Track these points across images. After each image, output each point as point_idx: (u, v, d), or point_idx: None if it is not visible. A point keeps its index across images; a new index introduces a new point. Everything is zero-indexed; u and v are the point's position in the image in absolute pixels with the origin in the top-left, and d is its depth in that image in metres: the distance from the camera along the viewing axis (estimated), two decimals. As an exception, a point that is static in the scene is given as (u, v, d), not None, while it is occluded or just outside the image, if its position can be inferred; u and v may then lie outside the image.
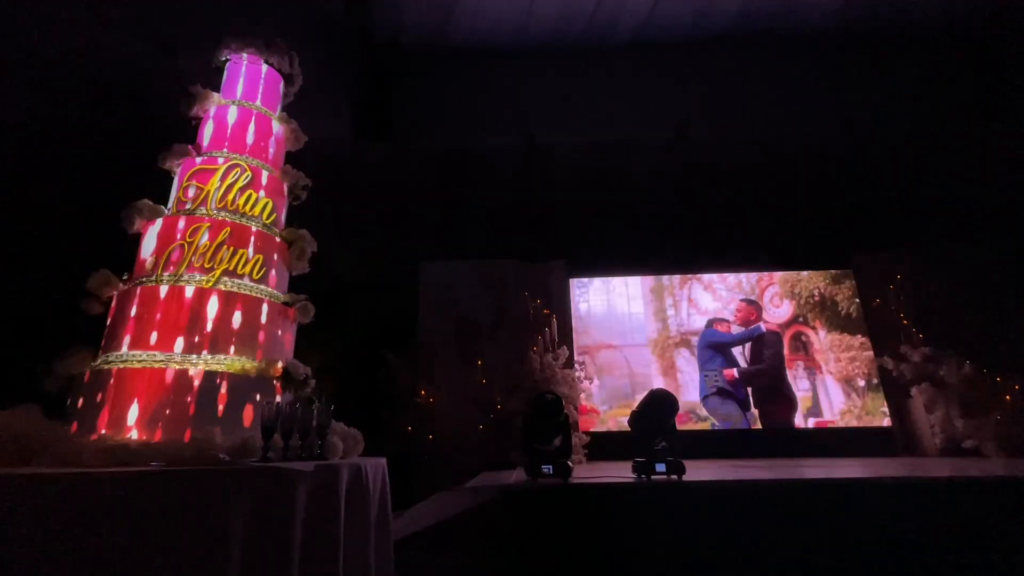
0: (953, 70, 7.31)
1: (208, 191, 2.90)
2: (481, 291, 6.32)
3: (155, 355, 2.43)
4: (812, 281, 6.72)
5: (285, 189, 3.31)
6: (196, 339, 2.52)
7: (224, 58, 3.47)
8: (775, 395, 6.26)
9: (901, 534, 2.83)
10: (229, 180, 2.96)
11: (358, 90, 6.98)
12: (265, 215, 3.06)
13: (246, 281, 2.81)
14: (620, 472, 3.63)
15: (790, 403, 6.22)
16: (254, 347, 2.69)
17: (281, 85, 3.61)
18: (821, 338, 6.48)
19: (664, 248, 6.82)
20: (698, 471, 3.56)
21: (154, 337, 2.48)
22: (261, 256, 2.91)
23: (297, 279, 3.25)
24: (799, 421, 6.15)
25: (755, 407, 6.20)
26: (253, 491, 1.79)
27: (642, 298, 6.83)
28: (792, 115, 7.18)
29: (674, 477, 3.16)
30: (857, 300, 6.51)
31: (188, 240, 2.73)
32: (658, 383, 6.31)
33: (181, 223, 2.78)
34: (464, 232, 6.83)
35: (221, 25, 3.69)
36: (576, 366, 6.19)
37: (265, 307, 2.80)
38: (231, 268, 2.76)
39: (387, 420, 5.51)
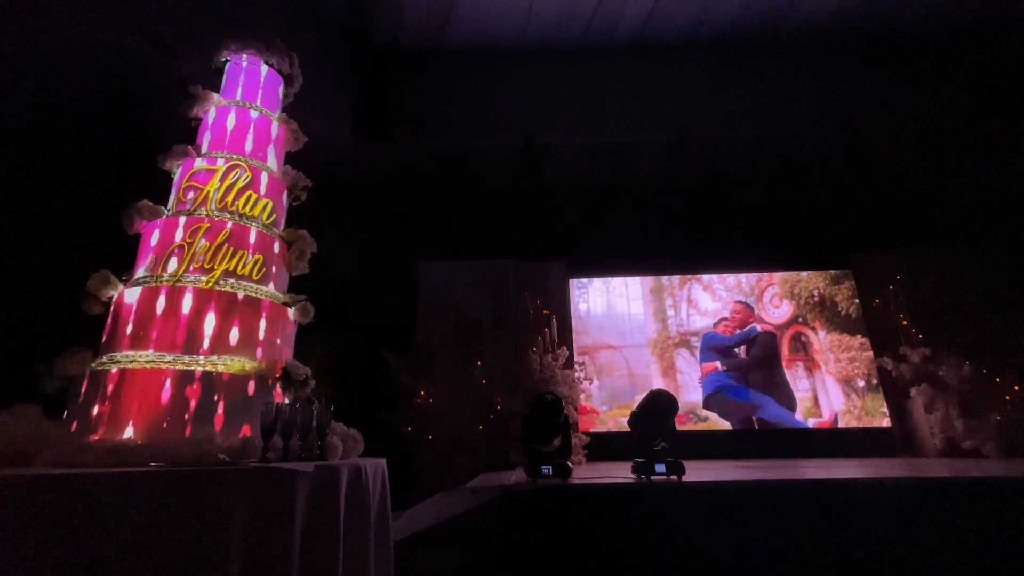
0: (953, 70, 7.31)
1: (208, 192, 2.90)
2: (481, 291, 6.32)
3: (155, 355, 2.43)
4: (812, 281, 6.73)
5: (285, 190, 3.31)
6: (196, 340, 2.52)
7: (224, 59, 3.47)
8: (773, 393, 6.26)
9: (901, 535, 2.83)
10: (229, 181, 2.96)
11: (358, 91, 6.98)
12: (265, 216, 3.06)
13: (246, 282, 2.81)
14: (620, 472, 3.64)
15: (789, 403, 6.22)
16: (254, 347, 2.69)
17: (281, 86, 3.62)
18: (821, 338, 6.48)
19: (664, 248, 6.83)
20: (698, 471, 3.56)
21: (154, 338, 2.48)
22: (261, 257, 2.91)
23: (297, 279, 3.25)
24: (800, 421, 6.15)
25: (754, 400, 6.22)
26: (253, 492, 1.79)
27: (642, 298, 6.84)
28: (792, 115, 7.17)
29: (674, 477, 3.16)
30: (857, 300, 6.52)
31: (188, 241, 2.73)
32: (658, 383, 6.31)
33: (181, 224, 2.78)
34: (464, 232, 6.84)
35: (221, 26, 3.70)
36: (576, 366, 6.19)
37: (265, 307, 2.80)
38: (231, 269, 2.76)
39: (387, 420, 5.51)
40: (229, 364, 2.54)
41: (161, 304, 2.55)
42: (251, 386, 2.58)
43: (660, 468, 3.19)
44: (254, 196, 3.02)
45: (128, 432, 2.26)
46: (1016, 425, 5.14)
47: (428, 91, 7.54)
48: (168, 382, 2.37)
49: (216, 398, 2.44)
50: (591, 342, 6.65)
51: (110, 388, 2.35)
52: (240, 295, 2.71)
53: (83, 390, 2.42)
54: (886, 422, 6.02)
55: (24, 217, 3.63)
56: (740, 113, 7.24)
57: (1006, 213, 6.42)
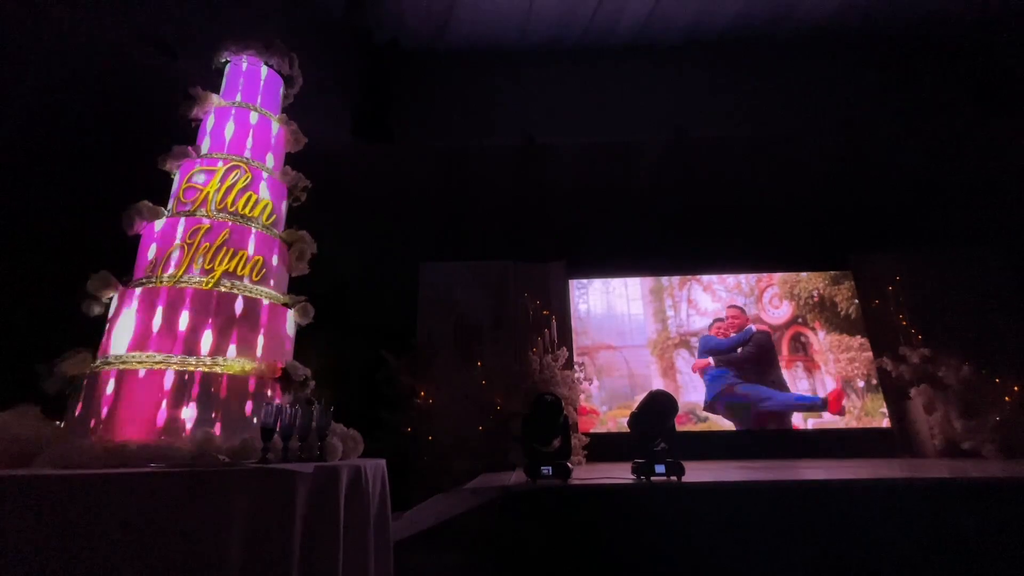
0: (953, 70, 7.31)
1: (208, 192, 2.91)
2: (481, 292, 6.32)
3: (154, 356, 2.43)
4: (811, 282, 6.73)
5: (285, 190, 3.31)
6: (195, 341, 2.52)
7: (224, 60, 3.47)
8: (771, 388, 6.26)
9: (900, 535, 2.83)
10: (229, 182, 2.96)
11: (357, 91, 6.99)
12: (265, 216, 3.06)
13: (246, 282, 2.81)
14: (620, 473, 3.64)
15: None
16: (254, 348, 2.69)
17: (281, 87, 3.62)
18: (820, 339, 6.48)
19: (663, 249, 6.83)
20: (697, 472, 3.56)
21: (154, 339, 2.48)
22: (261, 257, 2.91)
23: (297, 280, 3.26)
24: (798, 422, 6.15)
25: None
26: (252, 493, 1.80)
27: (641, 299, 6.84)
28: (791, 116, 7.17)
29: (673, 478, 3.16)
30: (856, 301, 6.52)
31: (188, 241, 2.73)
32: (657, 384, 6.32)
33: (181, 224, 2.79)
34: (464, 233, 6.83)
35: (221, 27, 3.70)
36: (576, 367, 6.19)
37: (264, 308, 2.80)
38: (231, 269, 2.76)
39: (387, 421, 5.51)
40: (228, 365, 2.54)
41: (161, 305, 2.55)
42: (251, 387, 2.58)
43: (660, 469, 3.19)
44: (254, 197, 3.03)
45: (127, 433, 2.26)
46: (1015, 426, 5.15)
47: (428, 91, 7.54)
48: (168, 383, 2.37)
49: (215, 399, 2.44)
50: (591, 342, 6.65)
51: (110, 389, 2.35)
52: (240, 296, 2.72)
53: (83, 391, 2.43)
54: (885, 422, 6.02)
55: (24, 217, 3.64)
56: (740, 113, 7.24)
57: (1006, 213, 6.41)
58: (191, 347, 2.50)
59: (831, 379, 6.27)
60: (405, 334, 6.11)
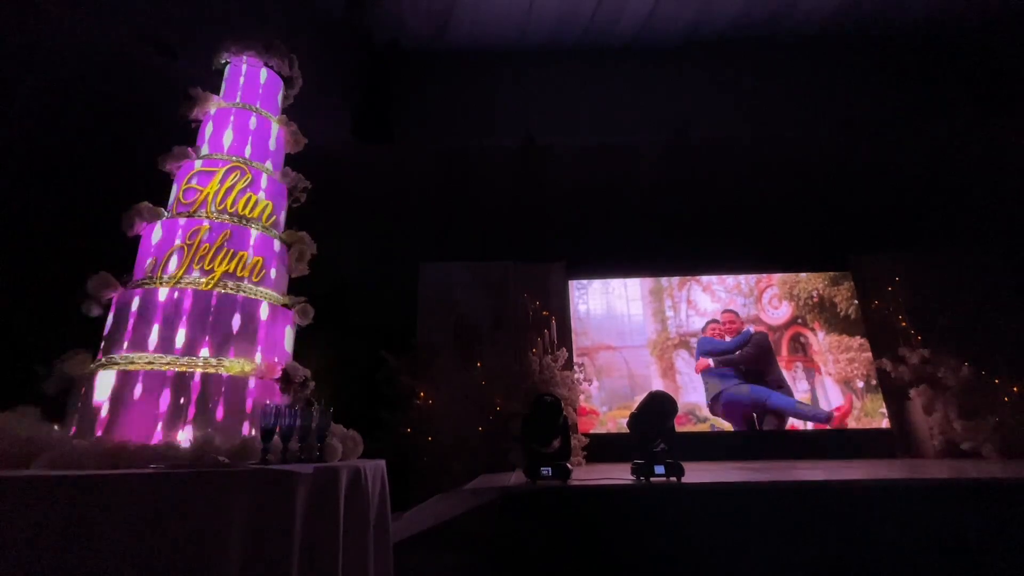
0: (952, 71, 7.32)
1: (208, 193, 2.91)
2: (480, 292, 6.32)
3: (154, 357, 2.43)
4: (811, 282, 6.73)
5: (285, 191, 3.31)
6: (195, 341, 2.53)
7: (224, 61, 3.47)
8: (772, 388, 6.27)
9: (900, 536, 2.84)
10: (229, 182, 2.96)
11: (358, 92, 6.99)
12: (265, 217, 3.06)
13: (246, 283, 2.81)
14: (619, 474, 3.64)
15: (788, 395, 6.22)
16: (253, 349, 2.70)
17: (281, 87, 3.62)
18: (820, 339, 6.48)
19: (663, 250, 6.83)
20: (697, 473, 3.56)
21: (153, 339, 2.48)
22: (261, 258, 2.91)
23: (297, 281, 3.26)
24: (798, 423, 6.15)
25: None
26: (252, 494, 1.80)
27: (641, 300, 6.84)
28: (791, 116, 7.18)
29: (673, 479, 3.16)
30: (856, 301, 6.52)
31: (188, 242, 2.73)
32: (657, 384, 6.32)
33: (181, 225, 2.79)
34: (464, 233, 6.83)
35: (221, 28, 3.70)
36: (575, 367, 6.20)
37: (264, 309, 2.80)
38: (231, 270, 2.76)
39: (386, 422, 5.51)
40: (228, 365, 2.54)
41: (161, 306, 2.55)
42: (251, 387, 2.58)
43: (659, 469, 3.19)
44: (254, 198, 3.03)
45: (127, 434, 2.26)
46: (1015, 426, 5.15)
47: (428, 92, 7.55)
48: (167, 383, 2.37)
49: (215, 400, 2.44)
50: (590, 343, 6.65)
51: (110, 390, 2.35)
52: (240, 297, 2.72)
53: (83, 392, 2.43)
54: (885, 423, 6.02)
55: (24, 218, 3.64)
56: (740, 113, 7.24)
57: (1006, 213, 6.41)
58: (191, 348, 2.51)
59: (835, 387, 6.25)
60: (405, 334, 6.11)
